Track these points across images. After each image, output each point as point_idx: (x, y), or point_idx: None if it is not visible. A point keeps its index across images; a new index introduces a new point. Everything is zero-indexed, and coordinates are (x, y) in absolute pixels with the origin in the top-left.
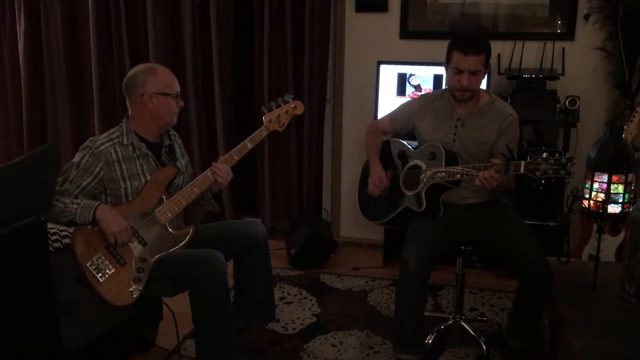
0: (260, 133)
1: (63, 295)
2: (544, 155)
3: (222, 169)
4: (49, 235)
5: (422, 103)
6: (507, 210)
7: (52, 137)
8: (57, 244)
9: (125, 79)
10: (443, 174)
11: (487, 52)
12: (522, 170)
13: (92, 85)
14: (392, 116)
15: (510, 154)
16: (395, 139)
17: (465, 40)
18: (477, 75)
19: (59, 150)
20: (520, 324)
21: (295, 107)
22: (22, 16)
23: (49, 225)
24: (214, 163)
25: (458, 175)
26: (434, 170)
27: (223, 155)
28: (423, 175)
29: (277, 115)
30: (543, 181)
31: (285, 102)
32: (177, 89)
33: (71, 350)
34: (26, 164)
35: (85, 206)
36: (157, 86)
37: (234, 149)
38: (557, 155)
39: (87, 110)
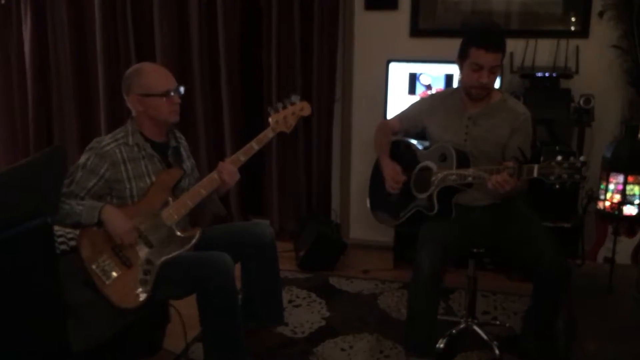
0: (267, 134)
1: (70, 297)
2: (558, 158)
3: (228, 170)
4: (55, 238)
5: (433, 102)
6: (521, 210)
7: (59, 138)
8: (63, 246)
9: None
10: (454, 176)
11: (505, 49)
12: (535, 174)
13: (98, 85)
14: (402, 115)
15: (523, 156)
16: (405, 138)
17: (485, 37)
18: (495, 72)
19: (65, 152)
20: (536, 323)
21: (303, 108)
22: (28, 16)
23: (55, 227)
24: (220, 163)
25: (470, 179)
26: (445, 173)
27: (230, 156)
28: (434, 178)
29: (284, 117)
30: (557, 185)
31: (292, 104)
32: (167, 87)
33: (78, 353)
34: (32, 166)
35: (90, 207)
36: (140, 87)
37: (241, 150)
38: (571, 158)
39: (93, 111)
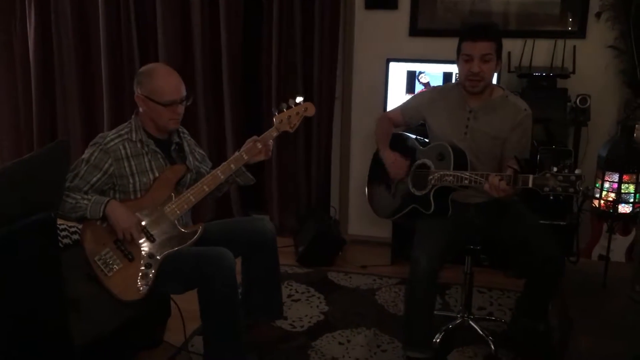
0: (271, 133)
1: (72, 291)
2: (554, 170)
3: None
4: (58, 232)
5: (434, 95)
6: (516, 207)
7: (62, 134)
8: (66, 240)
9: None
10: (451, 177)
11: (497, 39)
12: (530, 185)
13: (102, 81)
14: (403, 107)
15: (519, 165)
16: (405, 133)
17: (472, 28)
18: (487, 62)
19: (68, 147)
20: (526, 309)
21: (307, 109)
22: (33, 12)
23: (59, 221)
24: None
25: (466, 182)
26: (442, 173)
27: (232, 154)
28: (431, 177)
29: (288, 117)
30: (551, 197)
31: (297, 104)
32: (172, 97)
33: (80, 346)
34: (36, 160)
35: (95, 202)
36: (147, 90)
37: (243, 149)
38: (566, 171)
39: (96, 106)
